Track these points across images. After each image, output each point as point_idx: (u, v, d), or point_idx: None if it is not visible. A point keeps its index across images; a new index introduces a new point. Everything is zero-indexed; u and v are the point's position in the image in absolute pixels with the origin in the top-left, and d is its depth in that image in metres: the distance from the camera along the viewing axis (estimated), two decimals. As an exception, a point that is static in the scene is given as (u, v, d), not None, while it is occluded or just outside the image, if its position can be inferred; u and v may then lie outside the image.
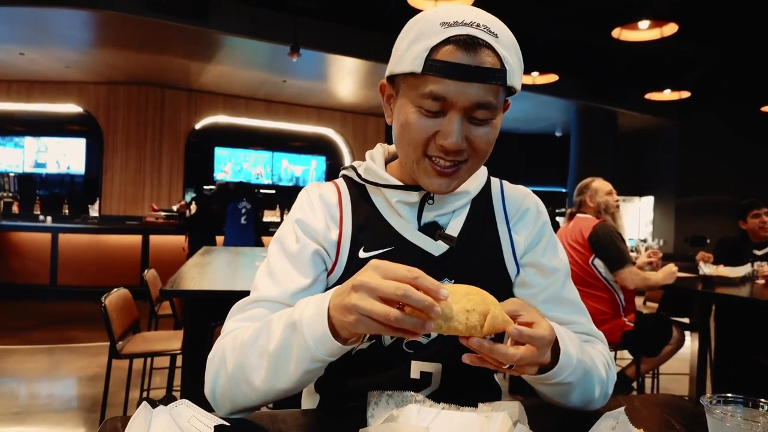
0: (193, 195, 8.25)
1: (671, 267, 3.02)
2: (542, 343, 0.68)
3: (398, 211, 0.91)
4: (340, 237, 0.90)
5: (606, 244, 2.93)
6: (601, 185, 3.16)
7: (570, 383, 0.78)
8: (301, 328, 0.69)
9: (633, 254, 3.37)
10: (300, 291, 0.85)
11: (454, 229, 0.91)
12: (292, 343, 0.71)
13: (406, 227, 0.90)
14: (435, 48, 0.77)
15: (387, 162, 0.98)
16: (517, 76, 0.81)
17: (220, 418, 0.69)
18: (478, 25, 0.78)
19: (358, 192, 0.95)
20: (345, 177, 0.99)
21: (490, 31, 0.78)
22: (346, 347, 0.70)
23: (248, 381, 0.75)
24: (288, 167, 10.18)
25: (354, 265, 0.88)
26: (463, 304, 0.65)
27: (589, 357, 0.82)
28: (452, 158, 0.82)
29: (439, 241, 0.89)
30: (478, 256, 0.91)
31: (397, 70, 0.82)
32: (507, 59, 0.79)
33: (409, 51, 0.80)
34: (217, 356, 0.81)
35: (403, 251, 0.89)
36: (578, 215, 3.15)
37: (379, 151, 0.98)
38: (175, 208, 7.44)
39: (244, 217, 6.33)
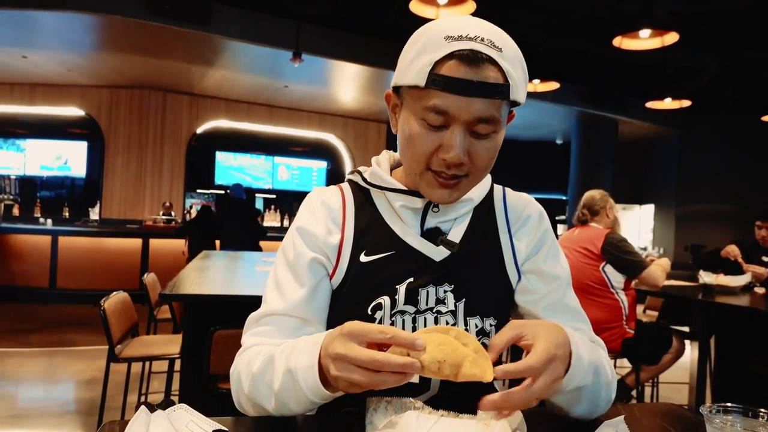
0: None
1: (661, 261, 3.17)
2: (533, 371, 0.67)
3: (401, 216, 0.92)
4: (342, 241, 0.91)
5: (623, 253, 3.01)
6: (611, 200, 3.24)
7: (584, 387, 0.77)
8: (297, 377, 0.74)
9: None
10: (304, 301, 0.88)
11: (456, 235, 0.92)
12: (292, 388, 0.76)
13: (408, 232, 0.91)
14: (438, 62, 0.77)
15: (392, 168, 0.99)
16: (521, 90, 0.81)
17: (218, 423, 0.69)
18: (482, 40, 0.77)
19: (363, 196, 0.95)
20: (350, 181, 0.99)
21: (494, 45, 0.78)
22: (338, 394, 0.75)
23: (262, 405, 0.82)
24: (289, 172, 10.18)
25: (355, 268, 0.89)
26: (435, 354, 0.66)
27: (596, 354, 0.82)
28: (453, 172, 0.82)
29: (441, 247, 0.89)
30: (479, 262, 0.92)
31: (402, 82, 0.83)
32: (510, 73, 0.79)
33: (413, 64, 0.80)
34: (235, 375, 0.87)
35: (404, 256, 0.89)
36: (590, 224, 3.18)
37: (384, 158, 0.99)
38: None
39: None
